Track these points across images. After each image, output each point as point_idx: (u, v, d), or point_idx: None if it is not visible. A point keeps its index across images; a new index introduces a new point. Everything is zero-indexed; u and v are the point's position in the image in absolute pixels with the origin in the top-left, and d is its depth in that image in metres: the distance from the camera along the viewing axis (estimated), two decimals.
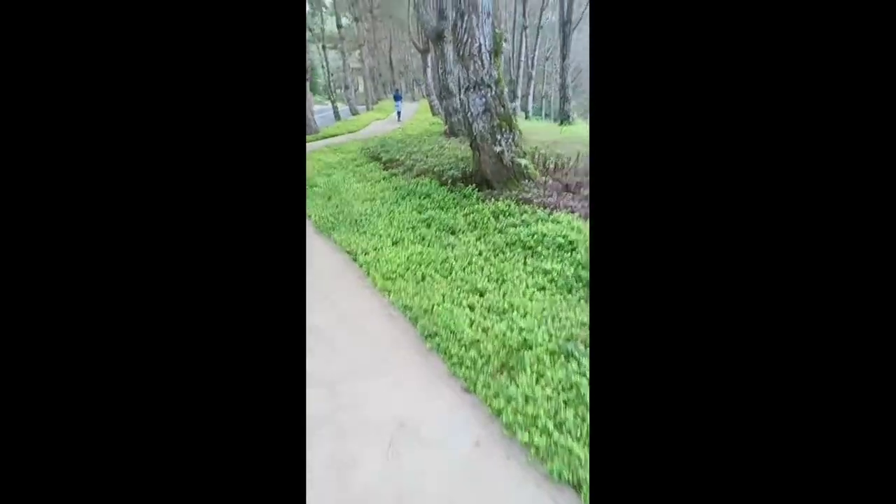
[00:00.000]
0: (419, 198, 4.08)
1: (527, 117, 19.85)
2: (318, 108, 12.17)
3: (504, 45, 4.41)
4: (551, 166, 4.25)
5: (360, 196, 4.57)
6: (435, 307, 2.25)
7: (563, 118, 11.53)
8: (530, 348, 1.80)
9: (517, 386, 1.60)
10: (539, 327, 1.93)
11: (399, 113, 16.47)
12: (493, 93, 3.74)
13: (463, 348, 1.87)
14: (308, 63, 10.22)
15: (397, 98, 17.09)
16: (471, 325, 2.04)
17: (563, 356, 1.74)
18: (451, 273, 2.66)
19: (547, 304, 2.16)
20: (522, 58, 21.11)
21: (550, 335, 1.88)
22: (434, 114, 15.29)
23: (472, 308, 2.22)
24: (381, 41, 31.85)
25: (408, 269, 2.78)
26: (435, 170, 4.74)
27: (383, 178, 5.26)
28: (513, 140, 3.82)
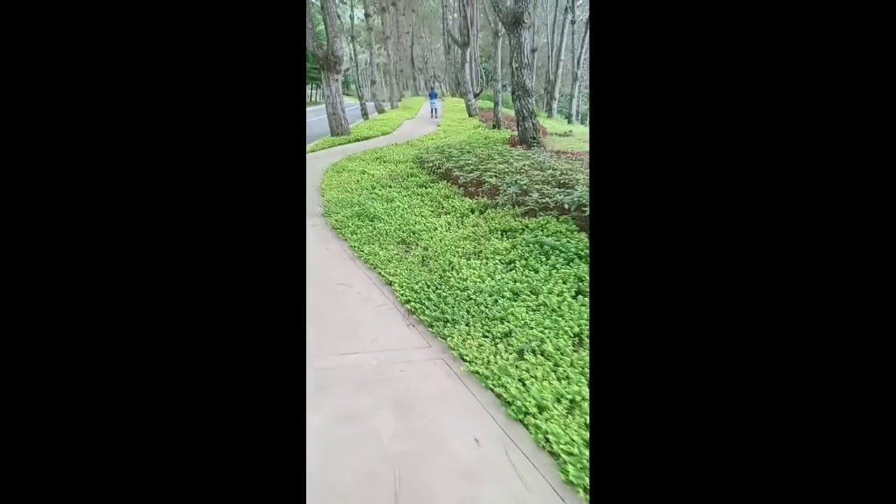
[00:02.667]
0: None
1: (569, 122, 18.26)
2: (348, 105, 10.72)
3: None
4: None
5: (461, 250, 2.97)
6: None
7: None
8: None
9: None
10: None
11: (434, 111, 15.50)
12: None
13: None
14: (338, 54, 8.76)
15: (433, 96, 16.04)
16: None
17: None
18: None
19: None
20: (561, 57, 19.49)
21: None
22: (470, 114, 13.82)
23: None
24: (402, 36, 30.77)
25: None
26: (563, 204, 3.17)
27: (472, 211, 3.70)
28: None
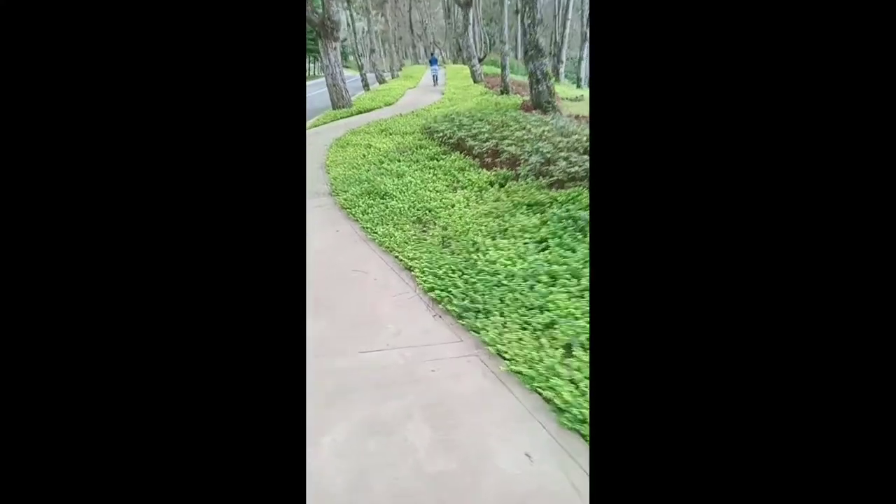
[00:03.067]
0: None
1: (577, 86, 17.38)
2: (348, 77, 10.18)
3: None
4: None
5: (485, 228, 2.70)
6: None
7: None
8: None
9: None
10: None
11: (436, 78, 15.14)
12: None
13: None
14: (335, 19, 8.25)
15: (433, 62, 15.55)
16: None
17: None
18: None
19: None
20: (568, 16, 18.30)
21: None
22: (475, 80, 13.16)
23: None
24: (400, 0, 29.33)
25: None
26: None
27: (490, 184, 3.39)
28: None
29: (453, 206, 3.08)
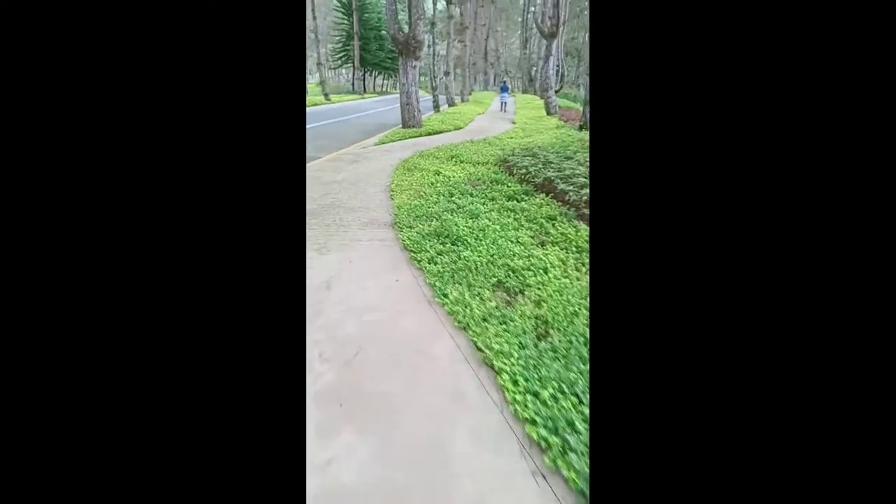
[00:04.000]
0: None
1: None
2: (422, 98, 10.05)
3: None
4: None
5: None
6: None
7: None
8: None
9: None
10: None
11: (504, 105, 15.58)
12: None
13: None
14: (419, 38, 8.07)
15: (504, 89, 15.63)
16: None
17: None
18: None
19: None
20: None
21: None
22: (549, 113, 12.56)
23: None
24: (478, 28, 29.98)
25: None
26: None
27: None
28: None
29: (545, 270, 2.38)
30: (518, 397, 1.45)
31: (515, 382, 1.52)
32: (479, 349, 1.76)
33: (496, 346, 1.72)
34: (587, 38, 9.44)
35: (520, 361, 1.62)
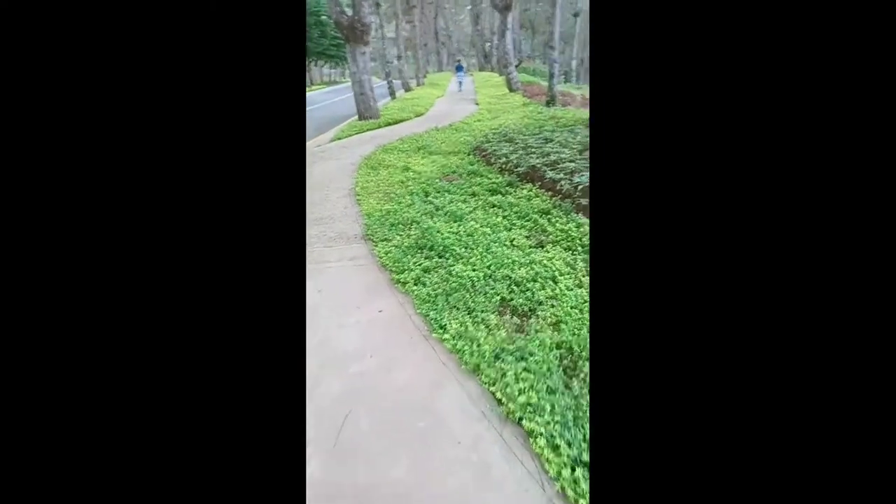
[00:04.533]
0: None
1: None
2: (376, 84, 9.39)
3: None
4: None
5: None
6: None
7: None
8: None
9: None
10: None
11: (461, 84, 14.92)
12: None
13: None
14: (366, 21, 7.44)
15: (459, 69, 15.05)
16: None
17: None
18: None
19: None
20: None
21: None
22: (511, 89, 12.20)
23: None
24: (426, 6, 28.97)
25: None
26: None
27: None
28: None
29: (554, 279, 2.06)
30: (564, 472, 1.13)
31: (556, 448, 1.20)
32: (499, 400, 1.42)
33: (520, 397, 1.38)
34: (540, 10, 9.08)
35: (555, 416, 1.29)
